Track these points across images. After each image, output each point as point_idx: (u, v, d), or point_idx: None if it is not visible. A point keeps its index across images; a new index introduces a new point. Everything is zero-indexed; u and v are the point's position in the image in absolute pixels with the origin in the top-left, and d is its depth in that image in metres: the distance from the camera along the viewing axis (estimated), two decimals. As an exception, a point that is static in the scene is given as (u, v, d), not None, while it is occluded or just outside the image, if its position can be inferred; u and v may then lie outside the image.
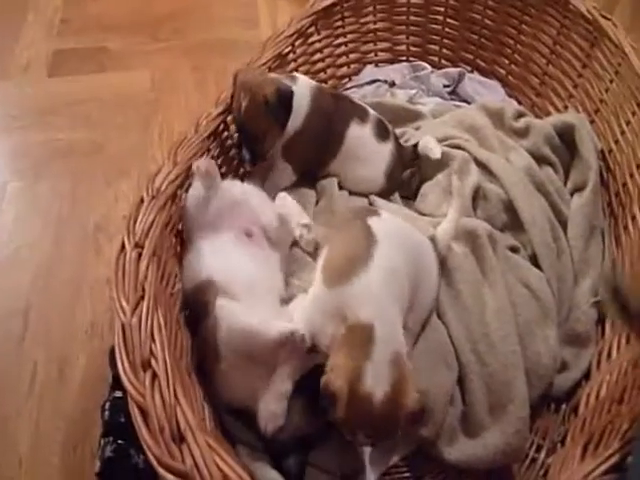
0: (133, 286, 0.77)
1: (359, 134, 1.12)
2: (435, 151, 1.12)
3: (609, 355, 0.92)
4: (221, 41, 1.78)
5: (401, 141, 1.21)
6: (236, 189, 0.99)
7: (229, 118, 1.09)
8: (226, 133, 1.11)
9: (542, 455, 0.91)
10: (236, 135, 1.12)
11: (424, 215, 1.09)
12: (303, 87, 1.09)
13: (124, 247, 0.81)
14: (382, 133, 1.14)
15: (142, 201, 0.87)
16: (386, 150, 1.14)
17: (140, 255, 0.81)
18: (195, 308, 0.86)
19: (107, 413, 0.96)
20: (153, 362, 0.70)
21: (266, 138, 1.06)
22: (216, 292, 0.83)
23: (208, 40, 1.80)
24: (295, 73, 1.16)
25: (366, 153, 1.12)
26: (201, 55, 1.75)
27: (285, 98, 1.04)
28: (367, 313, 0.73)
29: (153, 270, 0.80)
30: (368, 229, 0.83)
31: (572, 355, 0.96)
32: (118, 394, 0.97)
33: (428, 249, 0.93)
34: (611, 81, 1.21)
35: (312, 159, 1.13)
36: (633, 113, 1.12)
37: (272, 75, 1.10)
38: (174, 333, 0.79)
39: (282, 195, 1.05)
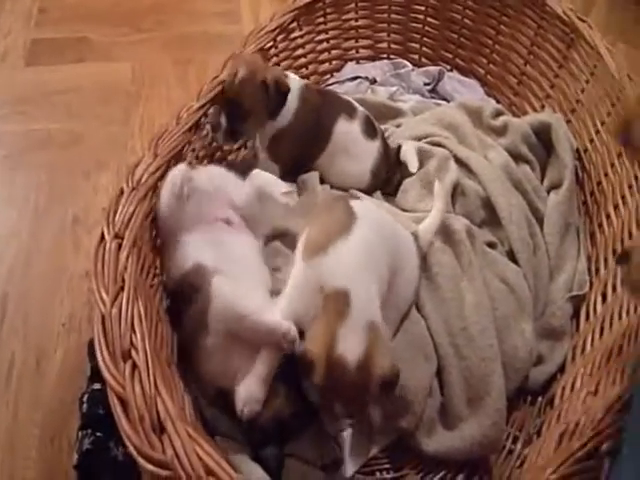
0: (113, 277, 0.76)
1: (347, 130, 1.12)
2: (413, 165, 1.13)
3: (583, 349, 0.94)
4: (203, 35, 1.76)
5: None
6: (210, 174, 0.99)
7: (210, 111, 1.09)
8: (207, 127, 1.11)
9: (518, 446, 0.93)
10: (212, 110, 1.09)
11: (405, 211, 1.10)
12: (294, 86, 1.09)
13: (103, 238, 0.80)
14: (370, 131, 1.15)
15: (122, 192, 0.87)
16: (374, 148, 1.14)
17: (120, 246, 0.80)
18: (184, 292, 0.86)
19: (85, 405, 0.96)
20: (133, 353, 0.70)
21: (249, 118, 1.06)
22: (209, 273, 0.83)
23: (190, 34, 1.78)
24: (286, 72, 1.16)
25: (354, 149, 1.13)
26: (183, 48, 1.74)
27: (282, 91, 1.05)
28: (342, 280, 0.75)
29: (133, 261, 0.79)
30: (350, 209, 0.84)
31: (548, 349, 0.98)
32: (97, 386, 0.97)
33: (408, 242, 0.94)
34: (587, 82, 1.23)
35: (298, 157, 1.13)
36: (608, 113, 1.15)
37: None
38: (154, 324, 0.80)
39: (256, 171, 1.03)
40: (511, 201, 1.06)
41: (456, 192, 1.09)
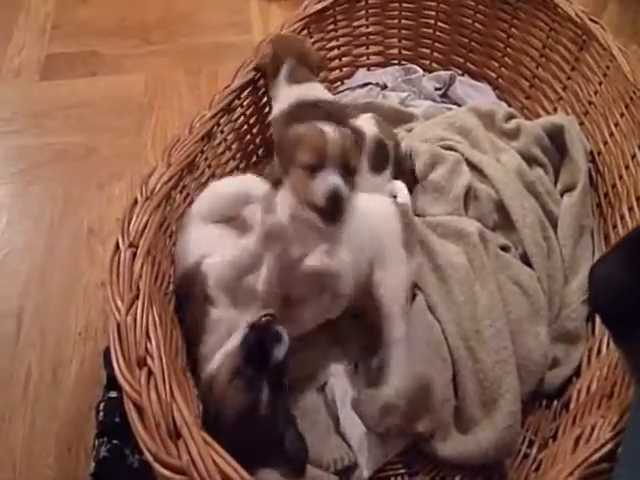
0: (128, 285, 0.77)
1: None
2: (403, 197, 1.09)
3: (599, 352, 0.93)
4: (214, 45, 1.78)
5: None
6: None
7: (222, 119, 1.10)
8: (220, 135, 1.12)
9: (534, 450, 0.92)
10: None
11: (416, 215, 1.10)
12: None
13: (118, 247, 0.81)
14: (379, 162, 1.09)
15: (136, 202, 0.87)
16: (383, 180, 1.10)
17: (135, 255, 0.81)
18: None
19: (101, 414, 0.96)
20: (149, 360, 0.71)
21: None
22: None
23: (201, 45, 1.81)
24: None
25: (362, 188, 1.02)
26: (194, 59, 1.76)
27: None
28: None
29: (147, 270, 0.80)
30: None
31: (563, 352, 0.97)
32: (112, 394, 0.97)
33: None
34: (600, 83, 1.22)
35: None
36: (621, 115, 1.13)
37: None
38: (169, 332, 0.80)
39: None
40: (524, 204, 1.05)
41: (469, 196, 1.09)
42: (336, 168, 0.83)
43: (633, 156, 1.07)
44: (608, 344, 0.90)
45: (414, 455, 0.90)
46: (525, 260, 1.03)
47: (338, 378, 0.91)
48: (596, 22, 1.26)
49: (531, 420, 0.95)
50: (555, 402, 0.96)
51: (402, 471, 0.90)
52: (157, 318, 0.75)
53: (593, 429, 0.70)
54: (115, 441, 0.92)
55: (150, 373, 0.70)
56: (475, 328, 0.90)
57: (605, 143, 1.16)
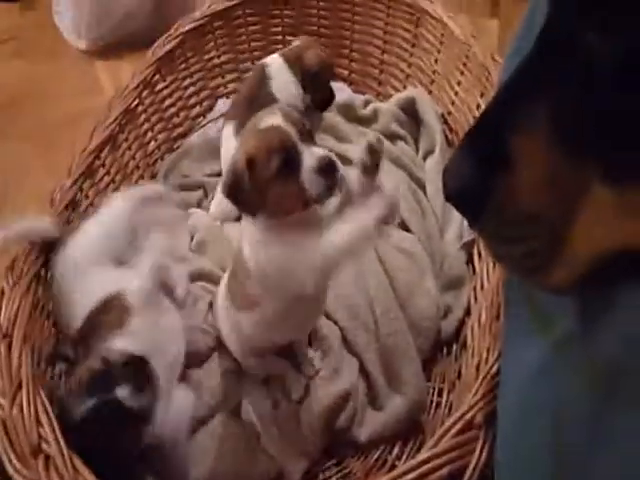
0: (7, 378, 0.74)
1: None
2: None
3: (482, 286, 0.96)
4: (64, 117, 1.70)
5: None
6: None
7: (85, 184, 1.08)
8: (85, 201, 1.09)
9: (444, 397, 0.95)
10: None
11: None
12: None
13: (-9, 342, 0.77)
14: None
15: (3, 292, 0.84)
16: None
17: (10, 345, 0.77)
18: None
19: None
20: (44, 445, 0.68)
21: None
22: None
23: (49, 119, 1.71)
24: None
25: None
26: (44, 136, 1.67)
27: None
28: None
29: (27, 357, 0.77)
30: None
31: (453, 298, 1.02)
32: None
33: None
34: (438, 52, 1.29)
35: None
36: (461, 72, 1.21)
37: None
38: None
39: None
40: (394, 178, 1.11)
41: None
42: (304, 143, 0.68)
43: (478, 106, 1.13)
44: (488, 276, 0.94)
45: (337, 446, 0.91)
46: (404, 227, 1.08)
47: (252, 395, 0.90)
48: (425, -1, 1.33)
49: (436, 371, 0.98)
50: (454, 345, 0.99)
51: (329, 464, 0.91)
52: (46, 400, 0.72)
53: (488, 353, 0.73)
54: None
55: (47, 458, 0.67)
56: (369, 311, 0.93)
57: (452, 103, 1.23)
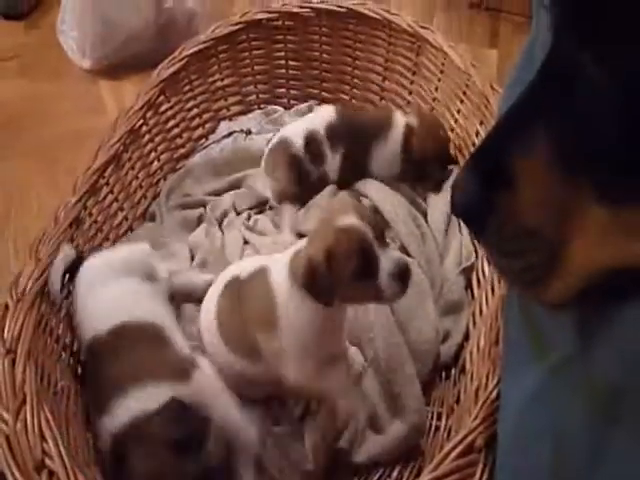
0: (12, 393, 0.74)
1: None
2: None
3: (481, 312, 0.98)
4: (67, 134, 1.71)
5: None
6: None
7: (89, 202, 1.09)
8: (89, 219, 1.11)
9: (443, 421, 0.95)
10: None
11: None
12: None
13: (-5, 358, 0.78)
14: None
15: (7, 307, 0.85)
16: None
17: (14, 361, 0.78)
18: None
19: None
20: (47, 461, 0.69)
21: None
22: None
23: (52, 137, 1.72)
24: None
25: None
26: (47, 153, 1.67)
27: None
28: None
29: (31, 372, 0.78)
30: None
31: (452, 322, 1.03)
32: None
33: None
34: (439, 80, 1.33)
35: None
36: (461, 101, 1.25)
37: None
38: (65, 429, 0.77)
39: None
40: (394, 202, 1.14)
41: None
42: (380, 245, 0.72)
43: (477, 133, 1.17)
44: (487, 301, 0.96)
45: (335, 468, 0.90)
46: (404, 251, 1.09)
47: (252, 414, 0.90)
48: (426, 28, 1.37)
49: (435, 395, 0.99)
50: (453, 370, 1.01)
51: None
52: (50, 416, 0.73)
53: (487, 377, 0.74)
54: None
55: (51, 474, 0.67)
56: (369, 337, 0.94)
57: (452, 130, 1.26)
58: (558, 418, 0.45)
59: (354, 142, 1.21)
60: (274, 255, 0.87)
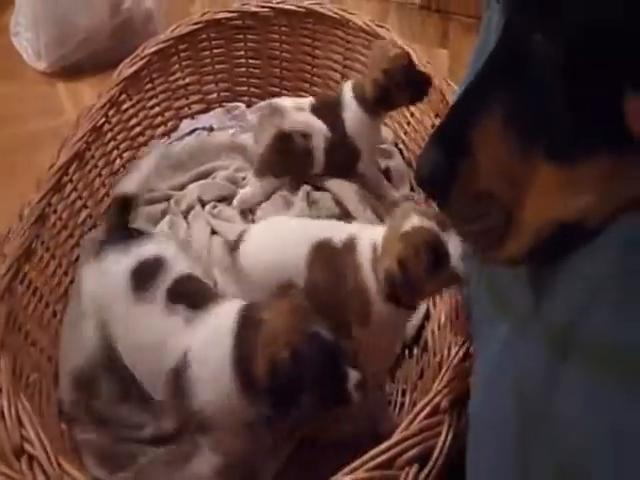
0: (-15, 384, 0.74)
1: None
2: None
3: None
4: (26, 136, 1.69)
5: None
6: None
7: (53, 199, 1.09)
8: (53, 216, 1.10)
9: (407, 397, 0.99)
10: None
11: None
12: None
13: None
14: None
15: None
16: None
17: (-14, 353, 0.78)
18: None
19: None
20: (27, 446, 0.69)
21: None
22: None
23: (10, 139, 1.69)
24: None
25: None
26: (7, 156, 1.63)
27: None
28: None
29: (6, 364, 0.78)
30: None
31: None
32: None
33: None
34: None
35: None
36: None
37: None
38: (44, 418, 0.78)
39: None
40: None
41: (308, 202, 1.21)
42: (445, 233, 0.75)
43: (433, 126, 1.21)
44: None
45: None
46: None
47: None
48: (382, 26, 1.42)
49: (399, 374, 1.03)
50: (415, 349, 1.05)
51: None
52: (27, 404, 0.73)
53: (449, 350, 0.78)
54: None
55: (31, 458, 0.67)
56: None
57: (408, 123, 1.32)
58: (521, 365, 0.49)
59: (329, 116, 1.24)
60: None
